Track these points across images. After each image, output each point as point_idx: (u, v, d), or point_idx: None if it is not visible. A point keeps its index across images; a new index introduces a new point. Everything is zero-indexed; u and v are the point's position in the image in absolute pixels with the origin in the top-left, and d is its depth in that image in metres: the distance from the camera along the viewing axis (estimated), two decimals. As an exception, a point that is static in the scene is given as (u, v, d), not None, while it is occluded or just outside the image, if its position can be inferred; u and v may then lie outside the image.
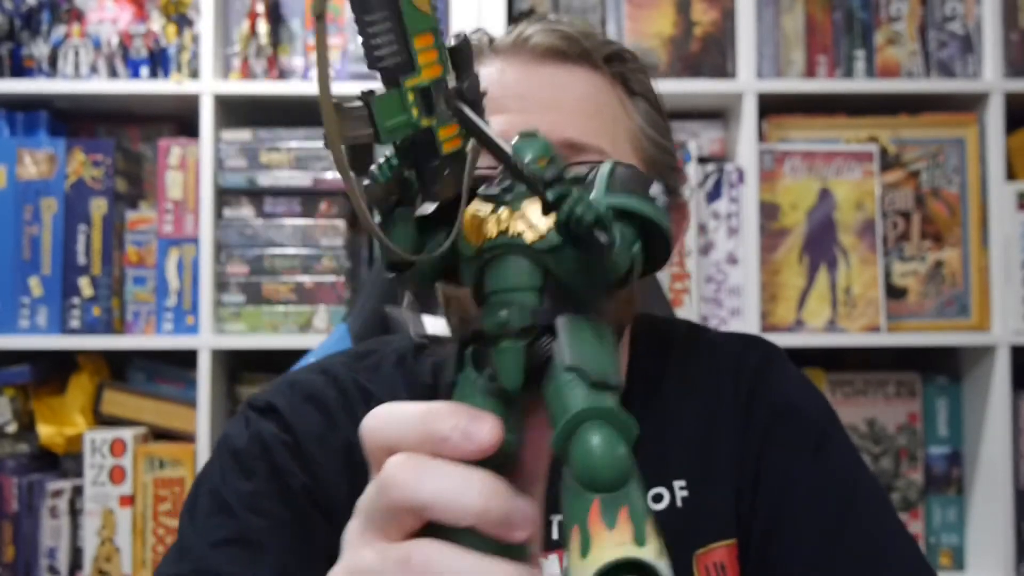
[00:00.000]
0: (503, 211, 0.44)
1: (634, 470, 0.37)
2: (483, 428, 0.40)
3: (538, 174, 0.40)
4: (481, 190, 0.45)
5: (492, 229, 0.43)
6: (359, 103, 0.42)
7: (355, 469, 0.78)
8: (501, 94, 0.76)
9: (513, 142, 0.44)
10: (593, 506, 0.37)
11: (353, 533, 0.41)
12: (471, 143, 0.45)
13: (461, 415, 0.40)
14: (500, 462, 0.41)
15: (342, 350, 0.94)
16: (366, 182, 0.44)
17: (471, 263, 0.44)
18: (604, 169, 0.45)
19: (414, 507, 0.39)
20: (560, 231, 0.40)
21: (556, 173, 0.40)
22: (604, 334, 0.42)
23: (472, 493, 0.39)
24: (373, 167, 0.44)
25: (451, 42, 0.44)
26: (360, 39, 0.42)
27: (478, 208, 0.45)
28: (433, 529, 0.40)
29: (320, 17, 0.39)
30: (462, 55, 0.44)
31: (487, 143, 0.42)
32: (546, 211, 0.40)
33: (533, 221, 0.42)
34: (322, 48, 0.38)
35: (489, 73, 0.80)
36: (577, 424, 0.38)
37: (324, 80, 0.38)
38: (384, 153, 0.44)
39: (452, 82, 0.44)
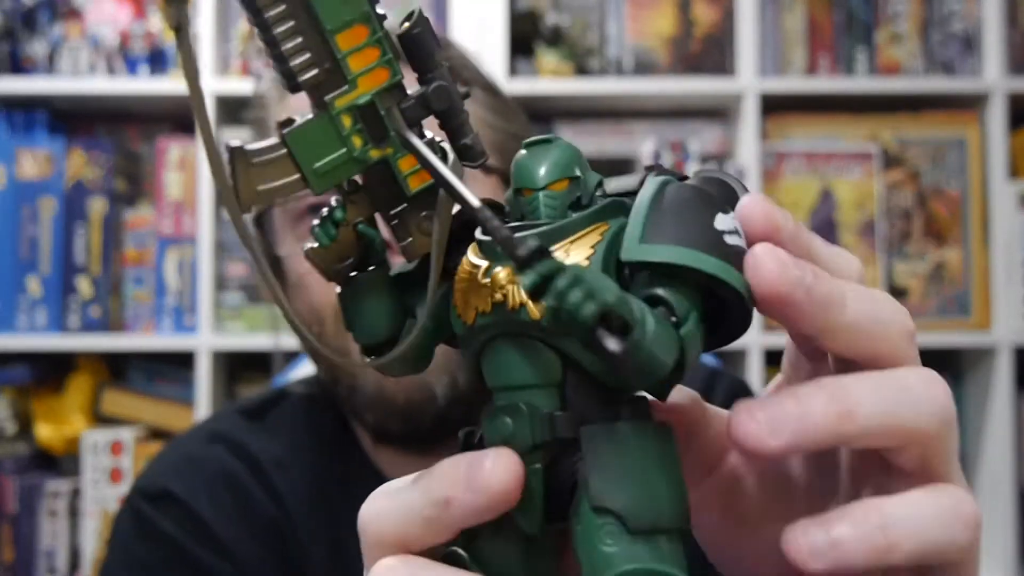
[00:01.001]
0: (500, 271, 0.30)
1: None
2: (492, 468, 0.29)
3: (512, 242, 0.26)
4: (478, 232, 0.32)
5: (485, 298, 0.30)
6: (274, 141, 0.30)
7: (282, 545, 0.73)
8: None
9: (520, 154, 0.32)
10: None
11: None
12: (450, 160, 0.32)
13: (460, 465, 0.30)
14: None
15: (230, 406, 0.86)
16: (308, 245, 0.32)
17: (465, 343, 0.32)
18: (645, 194, 0.30)
19: None
20: (555, 325, 0.27)
21: (536, 245, 0.26)
22: (652, 446, 0.30)
23: None
24: (314, 224, 0.32)
25: (399, 28, 0.31)
26: (263, 48, 0.30)
27: (471, 262, 0.32)
28: None
29: (179, 29, 0.27)
30: (419, 43, 0.31)
31: (447, 188, 0.29)
32: (531, 297, 0.27)
33: None
34: (190, 67, 0.27)
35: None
36: None
37: (203, 118, 0.28)
38: (330, 200, 0.33)
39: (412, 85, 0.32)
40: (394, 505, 0.31)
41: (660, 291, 0.29)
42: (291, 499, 0.76)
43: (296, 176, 0.30)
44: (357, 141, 0.30)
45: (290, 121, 0.30)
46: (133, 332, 1.60)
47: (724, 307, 0.30)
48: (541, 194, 0.31)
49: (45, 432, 1.60)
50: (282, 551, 0.74)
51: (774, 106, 1.63)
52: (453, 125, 0.31)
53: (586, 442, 0.29)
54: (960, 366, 1.68)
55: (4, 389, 1.61)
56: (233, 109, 1.64)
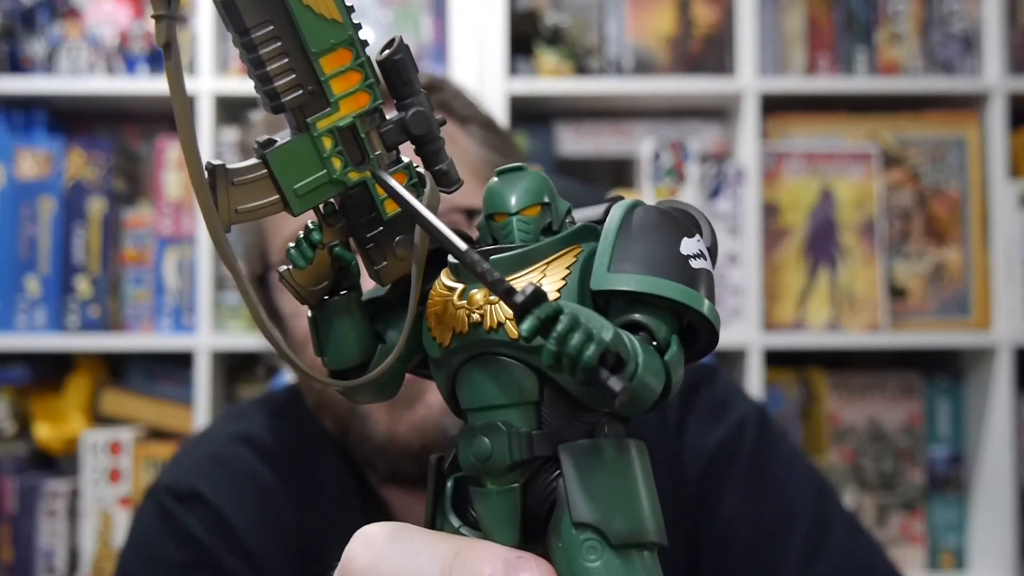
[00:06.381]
0: (476, 292, 0.31)
1: None
2: None
3: (508, 286, 0.27)
4: (451, 258, 0.32)
5: (462, 320, 0.31)
6: (254, 161, 0.30)
7: (305, 555, 0.73)
8: None
9: (492, 182, 0.33)
10: None
11: None
12: (427, 191, 0.32)
13: (496, 562, 0.29)
14: None
15: (254, 401, 0.85)
16: (283, 267, 0.33)
17: (440, 365, 0.32)
18: (614, 218, 0.31)
19: None
20: (556, 367, 0.27)
21: (533, 288, 0.26)
22: (630, 462, 0.30)
23: None
24: (290, 245, 0.32)
25: (380, 54, 0.32)
26: (246, 69, 0.29)
27: (445, 286, 0.32)
28: None
29: (168, 46, 0.27)
30: (399, 70, 0.31)
31: (426, 226, 0.30)
32: (528, 339, 0.27)
33: None
34: (178, 91, 0.27)
35: None
36: None
37: (189, 135, 0.28)
38: (307, 222, 0.33)
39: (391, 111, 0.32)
40: (403, 570, 0.30)
41: (639, 317, 0.30)
42: (313, 509, 0.75)
43: (275, 197, 0.30)
44: (337, 163, 0.31)
45: (271, 141, 0.30)
46: (132, 332, 1.60)
47: (692, 326, 0.31)
48: (514, 219, 0.32)
49: (44, 432, 1.60)
50: (303, 561, 0.73)
51: (774, 106, 1.63)
52: (429, 151, 0.32)
53: (565, 459, 0.29)
54: (960, 366, 1.68)
55: (3, 389, 1.61)
56: (232, 109, 1.64)
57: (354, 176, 0.31)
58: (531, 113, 1.67)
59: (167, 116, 1.73)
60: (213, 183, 0.30)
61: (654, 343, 0.30)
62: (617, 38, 1.66)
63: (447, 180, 0.32)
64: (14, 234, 1.58)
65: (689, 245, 0.31)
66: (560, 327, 0.26)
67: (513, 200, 0.32)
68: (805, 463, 0.83)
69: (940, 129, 1.65)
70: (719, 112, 1.70)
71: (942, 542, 1.63)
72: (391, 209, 0.32)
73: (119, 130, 1.74)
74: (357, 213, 0.32)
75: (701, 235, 0.32)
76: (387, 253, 0.33)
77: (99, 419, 1.63)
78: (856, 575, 0.77)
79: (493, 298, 0.30)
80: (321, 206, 0.32)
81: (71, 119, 1.71)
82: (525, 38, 1.63)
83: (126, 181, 1.66)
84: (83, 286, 1.59)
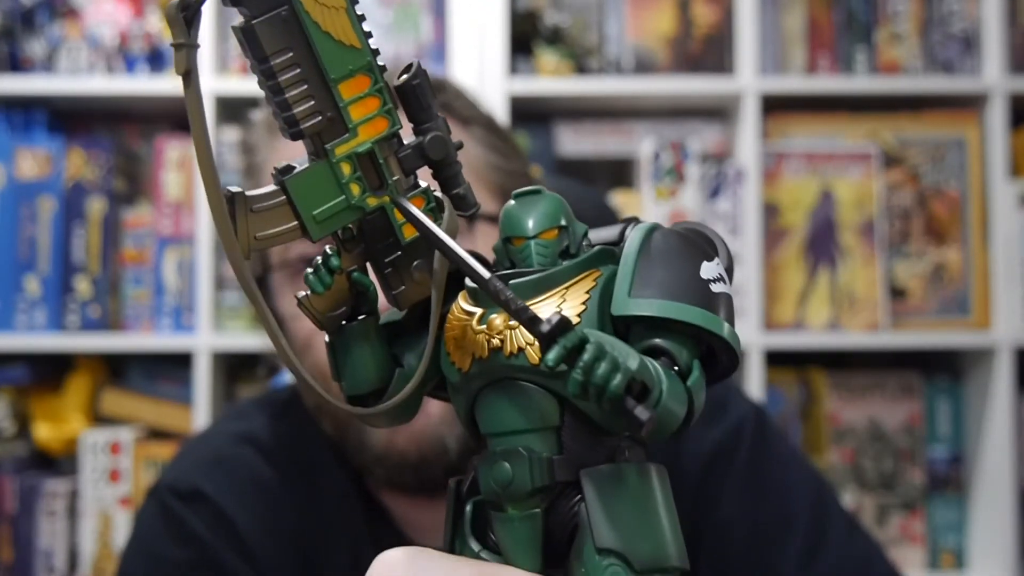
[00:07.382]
0: (496, 317, 0.31)
1: None
2: None
3: (532, 315, 0.27)
4: (469, 281, 0.32)
5: (481, 345, 0.31)
6: (273, 188, 0.31)
7: (305, 556, 0.73)
8: None
9: (509, 204, 0.33)
10: None
11: None
12: (445, 216, 0.32)
13: None
14: None
15: (255, 400, 0.85)
16: (301, 293, 0.33)
17: (458, 390, 0.32)
18: (633, 242, 0.31)
19: None
20: (582, 396, 0.27)
21: (559, 318, 0.26)
22: (652, 487, 0.30)
23: None
24: (308, 271, 0.32)
25: (398, 79, 0.32)
26: (263, 94, 0.30)
27: (463, 311, 0.32)
28: None
29: (188, 74, 0.28)
30: (417, 95, 0.31)
31: (447, 253, 0.30)
32: (553, 368, 0.27)
33: None
34: (197, 119, 0.28)
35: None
36: None
37: (208, 162, 0.28)
38: (325, 248, 0.33)
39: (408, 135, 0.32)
40: None
41: (660, 342, 0.30)
42: (314, 510, 0.75)
43: (294, 223, 0.30)
44: (355, 189, 0.31)
45: (289, 168, 0.30)
46: (132, 332, 1.60)
47: (713, 349, 0.32)
48: (532, 242, 0.32)
49: (44, 432, 1.60)
50: (303, 562, 0.73)
51: (774, 106, 1.63)
52: (447, 175, 0.32)
53: (587, 485, 0.29)
54: (960, 366, 1.68)
55: (3, 389, 1.61)
56: (232, 109, 1.64)
57: (372, 202, 0.31)
58: (531, 113, 1.67)
59: (167, 116, 1.73)
60: (232, 210, 0.30)
61: (675, 368, 0.30)
62: (617, 38, 1.66)
63: (465, 204, 0.33)
64: (14, 234, 1.58)
65: (709, 269, 0.31)
66: (586, 356, 0.26)
67: (531, 223, 0.32)
68: (803, 463, 0.83)
69: (940, 129, 1.65)
70: (719, 112, 1.70)
71: (942, 542, 1.63)
72: (409, 234, 0.32)
73: (119, 130, 1.74)
74: (375, 238, 0.32)
75: (719, 257, 0.32)
76: (405, 278, 0.33)
77: (99, 419, 1.63)
78: (855, 575, 0.77)
79: (513, 323, 0.30)
80: (339, 232, 0.32)
81: (71, 119, 1.71)
82: (525, 38, 1.63)
83: (126, 181, 1.66)
84: (83, 286, 1.59)
